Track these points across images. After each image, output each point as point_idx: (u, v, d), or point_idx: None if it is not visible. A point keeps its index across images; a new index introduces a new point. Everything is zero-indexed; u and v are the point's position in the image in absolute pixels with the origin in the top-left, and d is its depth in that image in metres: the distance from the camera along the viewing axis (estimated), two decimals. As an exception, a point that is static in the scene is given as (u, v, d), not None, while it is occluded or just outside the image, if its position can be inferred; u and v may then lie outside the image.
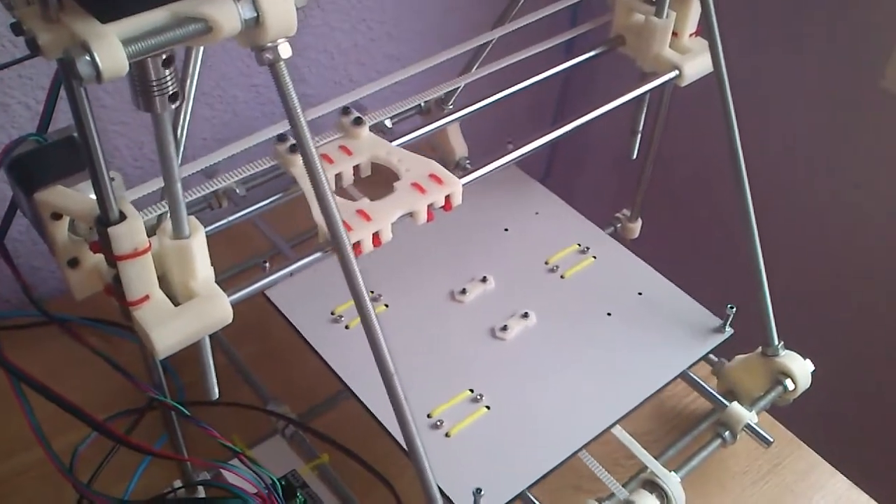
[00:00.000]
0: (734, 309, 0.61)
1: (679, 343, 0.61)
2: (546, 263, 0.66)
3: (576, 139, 1.20)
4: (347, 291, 0.41)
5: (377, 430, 0.54)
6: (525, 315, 0.62)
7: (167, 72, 0.34)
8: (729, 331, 0.61)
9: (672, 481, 0.53)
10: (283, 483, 0.50)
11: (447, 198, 0.48)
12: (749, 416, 0.59)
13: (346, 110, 0.52)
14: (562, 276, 0.65)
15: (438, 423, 0.55)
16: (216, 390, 0.49)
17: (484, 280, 0.64)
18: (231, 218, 0.51)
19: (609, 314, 0.63)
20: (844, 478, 0.64)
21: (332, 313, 0.61)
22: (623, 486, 0.55)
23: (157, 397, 0.46)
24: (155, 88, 0.34)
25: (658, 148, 0.69)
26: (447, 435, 0.54)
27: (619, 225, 0.75)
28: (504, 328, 0.61)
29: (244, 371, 0.63)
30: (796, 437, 0.66)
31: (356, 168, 0.50)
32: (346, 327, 0.60)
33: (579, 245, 0.68)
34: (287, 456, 0.57)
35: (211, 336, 0.65)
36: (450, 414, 0.56)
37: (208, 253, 0.42)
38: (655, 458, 0.57)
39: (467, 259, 0.66)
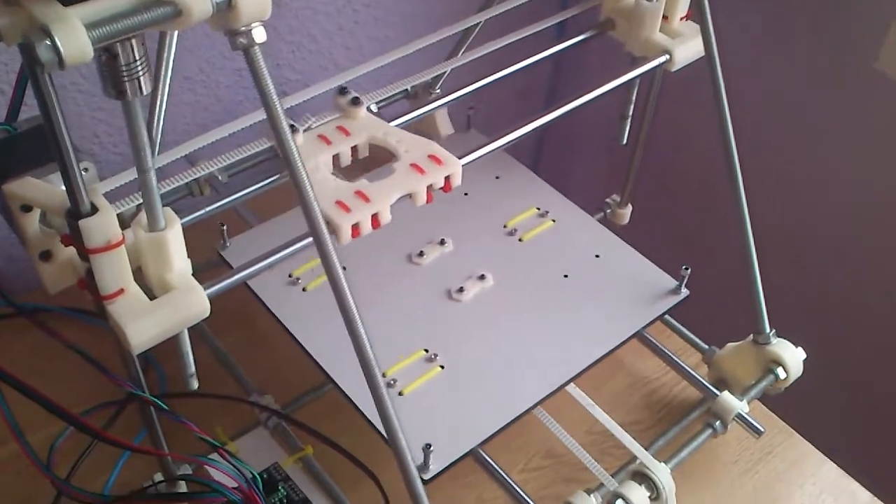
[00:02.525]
0: (689, 270, 0.61)
1: (635, 304, 0.61)
2: (504, 227, 0.67)
3: (567, 125, 1.19)
4: (304, 253, 0.42)
5: (361, 422, 0.53)
6: (482, 277, 0.62)
7: (137, 57, 0.33)
8: (685, 292, 0.62)
9: (662, 472, 0.52)
10: (264, 476, 0.49)
11: (447, 178, 0.47)
12: (740, 405, 0.58)
13: (342, 90, 0.51)
14: (520, 240, 0.66)
15: (392, 382, 0.55)
16: (195, 382, 0.48)
17: (442, 243, 0.65)
18: (211, 207, 0.49)
19: (566, 276, 0.63)
20: (835, 465, 0.63)
21: (290, 276, 0.61)
22: (613, 476, 0.54)
23: (135, 392, 0.45)
24: (125, 75, 0.33)
25: (648, 133, 0.68)
26: (400, 394, 0.55)
27: (608, 210, 0.74)
28: (460, 290, 0.61)
29: (227, 361, 0.62)
30: (788, 425, 0.66)
31: (354, 149, 0.49)
32: (304, 289, 0.60)
33: (538, 209, 0.68)
34: (270, 448, 0.56)
35: (193, 325, 0.64)
36: (404, 373, 0.56)
37: (185, 243, 0.41)
38: (645, 447, 0.56)
39: (426, 222, 0.66)
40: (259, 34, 0.33)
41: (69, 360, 0.51)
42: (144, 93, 0.34)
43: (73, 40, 0.28)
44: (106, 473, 0.55)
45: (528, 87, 1.03)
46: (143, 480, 0.53)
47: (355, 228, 0.44)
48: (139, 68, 0.33)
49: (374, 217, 0.45)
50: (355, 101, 0.50)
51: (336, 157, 0.49)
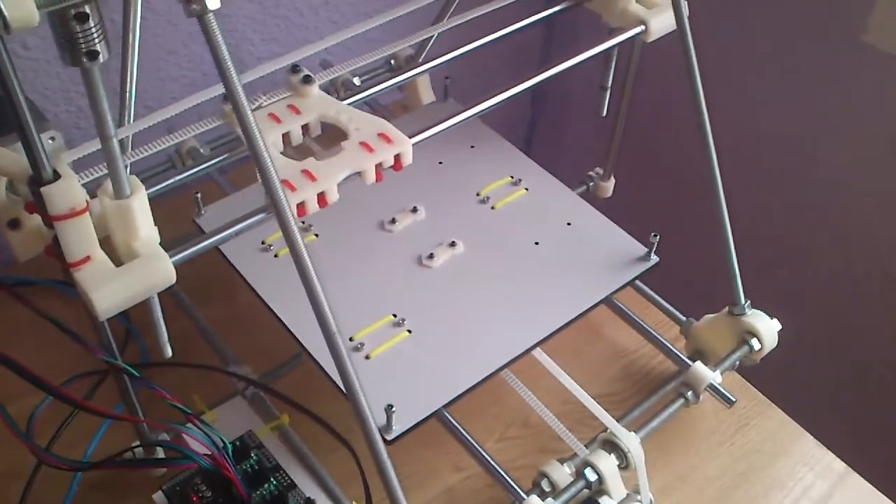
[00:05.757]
0: (658, 237, 0.61)
1: (605, 270, 0.62)
2: (477, 195, 0.67)
3: (557, 103, 1.18)
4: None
5: (337, 392, 0.53)
6: (452, 244, 0.63)
7: (92, 23, 0.33)
8: (654, 258, 0.62)
9: (631, 441, 0.53)
10: (236, 444, 0.50)
11: (396, 157, 0.48)
12: (712, 375, 0.58)
13: (294, 68, 0.51)
14: (492, 208, 0.66)
15: (359, 346, 0.56)
16: (169, 350, 0.48)
17: (414, 210, 0.65)
18: (183, 175, 0.50)
19: (537, 243, 0.64)
20: (811, 437, 0.64)
21: (263, 242, 0.62)
22: (586, 446, 0.55)
23: (107, 359, 0.45)
24: (80, 41, 0.33)
25: (629, 105, 0.67)
26: (367, 357, 0.56)
27: (591, 184, 0.74)
28: (431, 256, 0.62)
29: (207, 333, 0.62)
30: (766, 397, 0.66)
31: (305, 127, 0.49)
32: (276, 255, 0.61)
33: (512, 177, 0.68)
34: (248, 417, 0.56)
35: (175, 298, 0.65)
36: (371, 337, 0.57)
37: (150, 212, 0.42)
38: (621, 418, 0.57)
39: (400, 190, 0.66)
40: (213, 1, 0.34)
41: (50, 334, 0.52)
42: (102, 59, 0.34)
43: (18, 3, 0.28)
44: (85, 443, 0.56)
45: (518, 67, 1.03)
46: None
47: (301, 207, 0.45)
48: (94, 35, 0.33)
49: (321, 196, 0.45)
50: (307, 80, 0.50)
51: (286, 136, 0.49)
